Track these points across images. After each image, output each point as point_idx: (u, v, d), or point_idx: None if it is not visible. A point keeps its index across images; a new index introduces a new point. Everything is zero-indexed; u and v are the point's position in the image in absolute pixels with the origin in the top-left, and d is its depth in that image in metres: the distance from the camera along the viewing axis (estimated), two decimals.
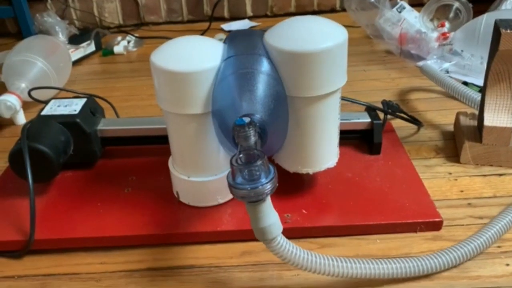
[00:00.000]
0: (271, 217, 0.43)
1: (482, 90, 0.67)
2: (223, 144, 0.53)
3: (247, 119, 0.43)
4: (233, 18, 1.46)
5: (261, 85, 0.48)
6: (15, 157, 0.59)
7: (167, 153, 0.60)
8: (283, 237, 0.44)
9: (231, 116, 0.45)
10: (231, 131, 0.44)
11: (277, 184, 0.42)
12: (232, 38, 0.56)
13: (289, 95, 0.52)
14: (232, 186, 0.41)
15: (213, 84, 0.51)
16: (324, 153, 0.57)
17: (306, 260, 0.45)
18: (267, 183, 0.41)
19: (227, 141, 0.49)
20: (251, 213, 0.43)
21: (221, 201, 0.59)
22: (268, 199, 0.43)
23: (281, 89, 0.50)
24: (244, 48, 0.53)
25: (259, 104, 0.47)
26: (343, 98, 0.73)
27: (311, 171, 0.57)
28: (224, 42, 0.55)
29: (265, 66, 0.50)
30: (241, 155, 0.42)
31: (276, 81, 0.50)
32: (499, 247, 0.53)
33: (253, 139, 0.42)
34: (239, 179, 0.41)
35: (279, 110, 0.49)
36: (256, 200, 0.41)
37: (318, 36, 0.50)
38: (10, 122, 0.88)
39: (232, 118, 0.44)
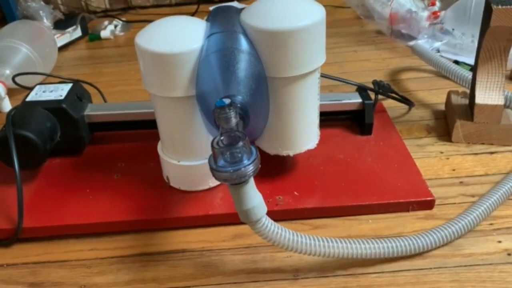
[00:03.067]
0: (255, 199, 0.43)
1: (474, 68, 0.67)
2: (209, 128, 0.52)
3: (227, 101, 0.41)
4: (222, 0, 1.44)
5: (242, 65, 0.47)
6: (0, 145, 0.58)
7: (156, 137, 0.59)
8: (268, 218, 0.44)
9: (212, 98, 0.44)
10: (210, 113, 0.44)
11: (260, 166, 0.41)
12: (213, 14, 0.55)
13: (268, 76, 0.51)
14: (214, 169, 0.41)
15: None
16: (304, 134, 0.56)
17: (292, 241, 0.45)
18: (249, 164, 0.40)
19: (211, 125, 0.48)
20: (235, 196, 0.42)
21: (212, 185, 0.59)
22: (251, 181, 0.42)
23: (261, 68, 0.49)
24: (223, 26, 0.51)
25: (240, 85, 0.46)
26: (334, 78, 0.73)
27: (291, 153, 0.57)
28: (207, 20, 0.54)
29: (244, 44, 0.49)
30: (222, 138, 0.41)
31: (256, 59, 0.49)
32: (491, 224, 0.53)
33: (234, 120, 0.41)
34: (221, 162, 0.41)
35: (260, 90, 0.48)
36: (238, 182, 0.41)
37: (294, 14, 0.49)
38: None
39: (213, 100, 0.43)
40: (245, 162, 0.40)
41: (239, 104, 0.43)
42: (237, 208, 0.43)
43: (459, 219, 0.51)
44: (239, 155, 0.40)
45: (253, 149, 0.41)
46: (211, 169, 0.41)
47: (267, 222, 0.44)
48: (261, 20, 0.49)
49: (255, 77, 0.48)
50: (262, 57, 0.50)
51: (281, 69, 0.50)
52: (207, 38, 0.50)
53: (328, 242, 0.46)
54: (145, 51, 0.49)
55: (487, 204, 0.53)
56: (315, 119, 0.57)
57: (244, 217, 0.43)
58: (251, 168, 0.40)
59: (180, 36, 0.49)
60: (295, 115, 0.54)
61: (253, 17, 0.50)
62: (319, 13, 0.50)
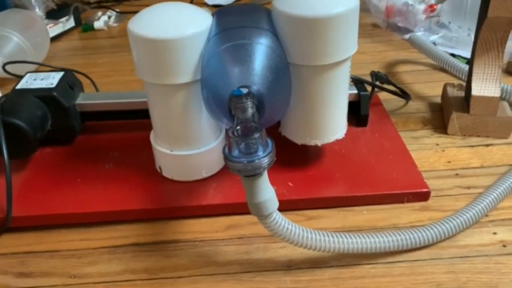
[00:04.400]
0: (267, 192, 0.42)
1: (470, 59, 0.66)
2: (213, 114, 0.51)
3: (245, 90, 0.41)
4: None
5: (259, 57, 0.46)
6: None
7: (149, 127, 0.58)
8: (279, 213, 0.43)
9: (226, 86, 0.43)
10: (224, 102, 0.43)
11: (275, 158, 0.40)
12: (227, 11, 0.55)
13: (299, 64, 0.50)
14: (228, 159, 0.40)
15: (197, 52, 0.49)
16: (333, 124, 0.56)
17: (301, 236, 0.44)
18: (264, 156, 0.39)
19: (218, 112, 0.47)
20: (247, 188, 0.41)
21: (206, 175, 0.58)
22: (265, 174, 0.41)
23: (281, 62, 0.48)
24: (242, 21, 0.51)
25: (256, 76, 0.45)
26: None
27: (319, 143, 0.56)
28: (213, 15, 0.53)
29: (264, 38, 0.48)
30: (238, 127, 0.40)
31: (275, 52, 0.48)
32: (486, 216, 0.53)
33: (250, 110, 0.41)
34: (235, 152, 0.40)
35: (278, 83, 0.48)
36: (253, 174, 0.40)
37: (330, 1, 0.48)
38: None
39: (227, 89, 0.42)
40: (260, 154, 0.39)
41: (255, 95, 0.42)
42: (249, 201, 0.42)
43: (461, 214, 0.51)
44: (255, 146, 0.39)
45: (269, 141, 0.40)
46: (225, 158, 0.40)
47: (278, 217, 0.43)
48: (295, 7, 0.48)
49: (273, 69, 0.47)
50: (294, 45, 0.49)
51: (315, 57, 0.49)
52: (221, 32, 0.49)
53: (337, 237, 0.46)
54: (137, 37, 0.48)
55: (490, 198, 0.53)
56: (344, 109, 0.57)
57: (254, 211, 0.43)
58: (266, 160, 0.39)
59: (174, 22, 0.49)
60: (326, 104, 0.53)
61: (286, 4, 0.49)
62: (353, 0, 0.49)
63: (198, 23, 0.49)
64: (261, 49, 0.47)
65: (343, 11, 0.48)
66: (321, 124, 0.55)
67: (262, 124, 0.41)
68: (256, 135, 0.40)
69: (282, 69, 0.48)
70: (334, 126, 0.56)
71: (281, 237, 0.44)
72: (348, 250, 0.46)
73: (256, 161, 0.39)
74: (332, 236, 0.46)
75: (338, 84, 0.53)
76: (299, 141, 0.57)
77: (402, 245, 0.48)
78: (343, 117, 0.57)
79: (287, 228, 0.44)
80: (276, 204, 0.43)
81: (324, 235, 0.46)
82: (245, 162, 0.39)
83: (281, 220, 0.44)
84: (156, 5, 0.51)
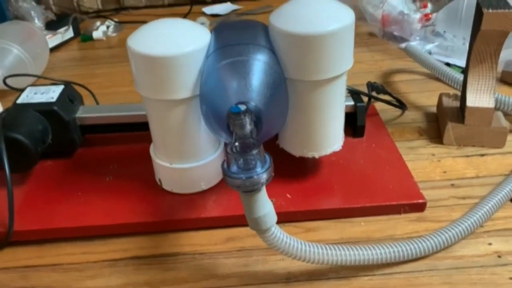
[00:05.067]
0: (265, 207, 0.43)
1: (465, 71, 0.67)
2: (211, 129, 0.52)
3: (243, 107, 0.42)
4: (215, 1, 1.44)
5: (257, 73, 0.47)
6: None
7: (149, 140, 0.59)
8: (278, 227, 0.44)
9: (225, 102, 0.44)
10: (223, 118, 0.44)
11: (273, 174, 0.41)
12: (225, 27, 0.55)
13: (295, 79, 0.51)
14: (227, 175, 0.40)
15: (195, 68, 0.49)
16: (330, 136, 0.57)
17: (300, 250, 0.45)
18: (263, 172, 0.40)
19: (216, 126, 0.48)
20: (245, 203, 0.42)
21: (205, 187, 0.59)
22: (263, 189, 0.42)
23: (278, 77, 0.49)
24: (240, 38, 0.52)
25: (254, 92, 0.46)
26: None
27: (317, 155, 0.57)
28: (211, 31, 0.54)
29: (261, 54, 0.49)
30: (236, 144, 0.41)
31: (272, 68, 0.49)
32: (482, 226, 0.54)
33: (248, 127, 0.41)
34: (234, 168, 0.40)
35: (276, 98, 0.48)
36: (251, 190, 0.41)
37: (325, 18, 0.49)
38: None
39: (225, 105, 0.43)
40: (259, 170, 0.40)
41: (253, 111, 0.43)
42: (247, 216, 0.43)
43: (457, 224, 0.52)
44: (253, 162, 0.40)
45: (267, 157, 0.41)
46: (224, 174, 0.41)
47: (276, 231, 0.44)
48: (291, 24, 0.49)
49: (270, 85, 0.47)
50: (291, 61, 0.50)
51: (311, 73, 0.50)
52: (220, 48, 0.50)
53: (336, 250, 0.46)
54: (136, 54, 0.49)
55: (486, 208, 0.53)
56: (341, 121, 0.58)
57: (253, 225, 0.43)
58: (264, 176, 0.40)
59: (173, 39, 0.49)
60: (323, 117, 0.54)
61: (282, 21, 0.50)
62: (349, 16, 0.50)
63: (197, 40, 0.50)
64: (258, 66, 0.48)
65: (338, 28, 0.49)
66: (318, 137, 0.56)
67: (260, 139, 0.42)
68: (254, 151, 0.40)
69: (279, 85, 0.49)
70: (331, 138, 0.57)
71: (279, 251, 0.45)
72: (346, 262, 0.47)
73: (255, 177, 0.40)
74: (330, 249, 0.46)
75: (335, 98, 0.54)
76: (296, 153, 0.58)
77: (399, 257, 0.49)
78: (340, 129, 0.58)
79: (286, 242, 0.45)
80: (274, 218, 0.44)
81: (322, 248, 0.46)
82: (243, 178, 0.40)
83: (280, 234, 0.44)
84: (155, 22, 0.52)
